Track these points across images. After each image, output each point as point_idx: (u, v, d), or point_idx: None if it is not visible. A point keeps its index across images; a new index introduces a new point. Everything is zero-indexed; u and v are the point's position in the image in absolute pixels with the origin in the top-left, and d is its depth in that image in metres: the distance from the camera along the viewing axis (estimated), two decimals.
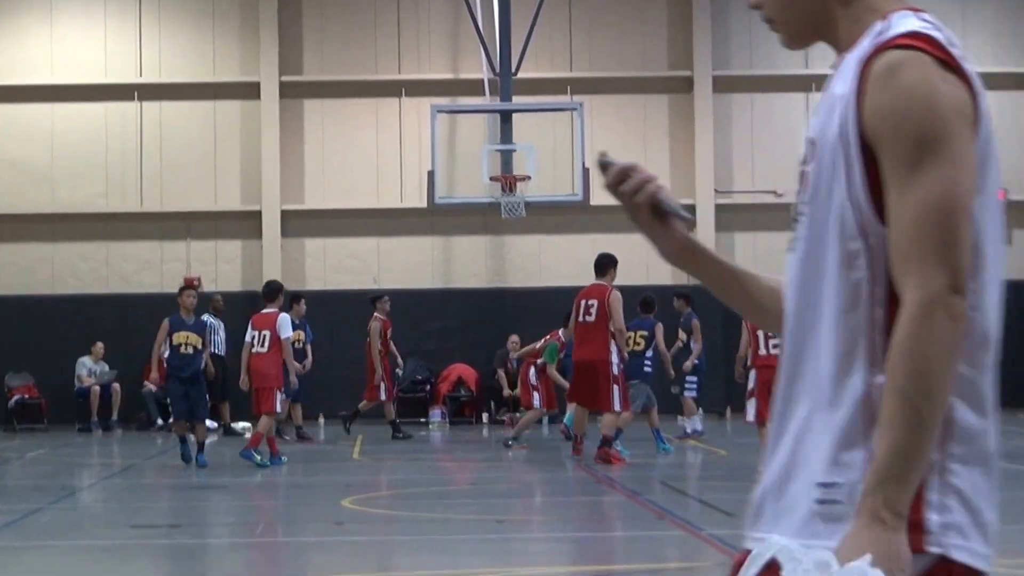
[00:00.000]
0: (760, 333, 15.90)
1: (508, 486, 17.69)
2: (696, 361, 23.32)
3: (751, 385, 16.78)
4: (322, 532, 13.24)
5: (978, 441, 2.77)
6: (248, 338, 20.09)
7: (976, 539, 2.72)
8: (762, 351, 15.90)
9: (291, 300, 23.59)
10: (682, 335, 23.68)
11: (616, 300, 19.45)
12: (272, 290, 20.68)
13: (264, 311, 20.30)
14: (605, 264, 19.99)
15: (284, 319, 20.05)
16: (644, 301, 21.70)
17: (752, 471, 15.06)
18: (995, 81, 31.71)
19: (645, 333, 21.05)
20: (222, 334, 26.58)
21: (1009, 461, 19.14)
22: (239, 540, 13.16)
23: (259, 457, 19.40)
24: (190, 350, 19.88)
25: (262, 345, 19.61)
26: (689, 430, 23.06)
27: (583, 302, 19.27)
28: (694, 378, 23.35)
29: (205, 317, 25.69)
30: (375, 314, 24.89)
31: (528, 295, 30.10)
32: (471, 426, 28.64)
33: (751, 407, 16.48)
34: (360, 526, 13.59)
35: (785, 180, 31.50)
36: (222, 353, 26.05)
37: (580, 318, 19.18)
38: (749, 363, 17.07)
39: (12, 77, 30.59)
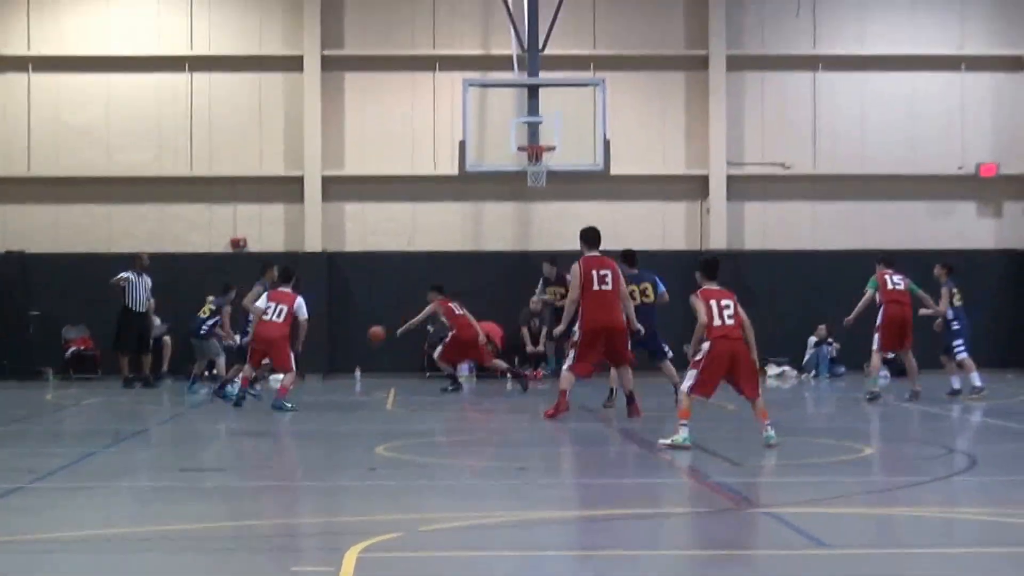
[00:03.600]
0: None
1: (530, 435, 17.66)
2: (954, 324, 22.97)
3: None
4: (357, 477, 13.23)
5: None
6: (263, 306, 20.91)
7: None
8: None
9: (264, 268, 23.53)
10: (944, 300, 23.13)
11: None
12: (289, 273, 21.50)
13: (280, 289, 21.12)
14: (599, 238, 19.49)
15: (301, 302, 21.01)
16: (625, 254, 21.26)
17: (752, 427, 15.04)
18: (990, 63, 31.57)
19: (648, 286, 20.74)
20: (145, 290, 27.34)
21: (1006, 419, 19.10)
22: (280, 483, 13.17)
23: (289, 405, 20.36)
24: None
25: (278, 316, 20.73)
26: (978, 383, 22.55)
27: (595, 272, 18.80)
28: (959, 340, 22.94)
29: (127, 273, 26.84)
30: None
31: (551, 258, 29.99)
32: (496, 379, 28.61)
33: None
34: (392, 471, 13.57)
35: (793, 153, 31.41)
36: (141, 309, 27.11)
37: (597, 287, 18.76)
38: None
39: (70, 48, 30.67)
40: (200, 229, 30.82)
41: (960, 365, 22.85)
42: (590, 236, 19.24)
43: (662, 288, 20.90)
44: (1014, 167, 31.38)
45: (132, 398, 24.06)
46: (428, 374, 28.72)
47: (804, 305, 30.53)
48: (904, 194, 31.50)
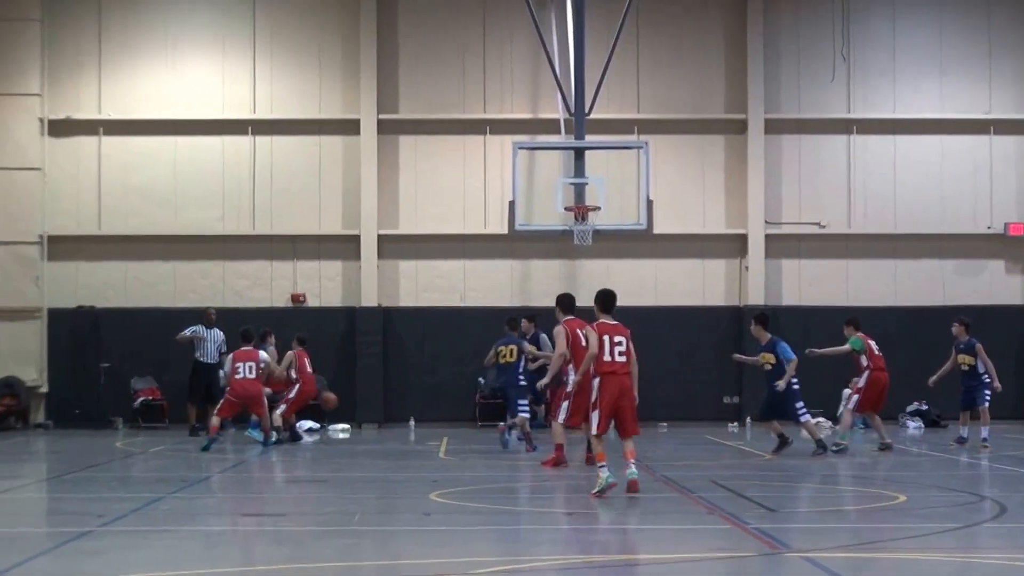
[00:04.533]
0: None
1: (576, 482, 17.65)
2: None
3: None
4: (411, 522, 13.28)
5: None
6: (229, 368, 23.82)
7: None
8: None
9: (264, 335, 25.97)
10: (966, 358, 23.32)
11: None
12: (248, 334, 24.33)
13: (243, 349, 23.82)
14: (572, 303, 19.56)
15: (263, 355, 24.06)
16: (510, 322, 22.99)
17: (791, 471, 15.00)
18: (1017, 127, 31.49)
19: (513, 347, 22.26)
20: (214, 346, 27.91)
21: None
22: (338, 528, 13.21)
23: (274, 437, 23.84)
24: None
25: (249, 372, 23.33)
26: (984, 435, 22.80)
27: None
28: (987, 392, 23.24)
29: (196, 327, 27.52)
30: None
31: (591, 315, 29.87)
32: (545, 429, 28.52)
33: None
34: (445, 516, 13.61)
35: (828, 212, 31.37)
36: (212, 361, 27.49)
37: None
38: None
39: (139, 112, 30.90)
40: (262, 285, 30.97)
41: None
42: (566, 302, 19.52)
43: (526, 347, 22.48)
44: None
45: (198, 446, 24.19)
46: (480, 423, 28.76)
47: (839, 359, 30.38)
48: (935, 252, 31.42)
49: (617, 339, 15.22)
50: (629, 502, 15.05)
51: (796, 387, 21.31)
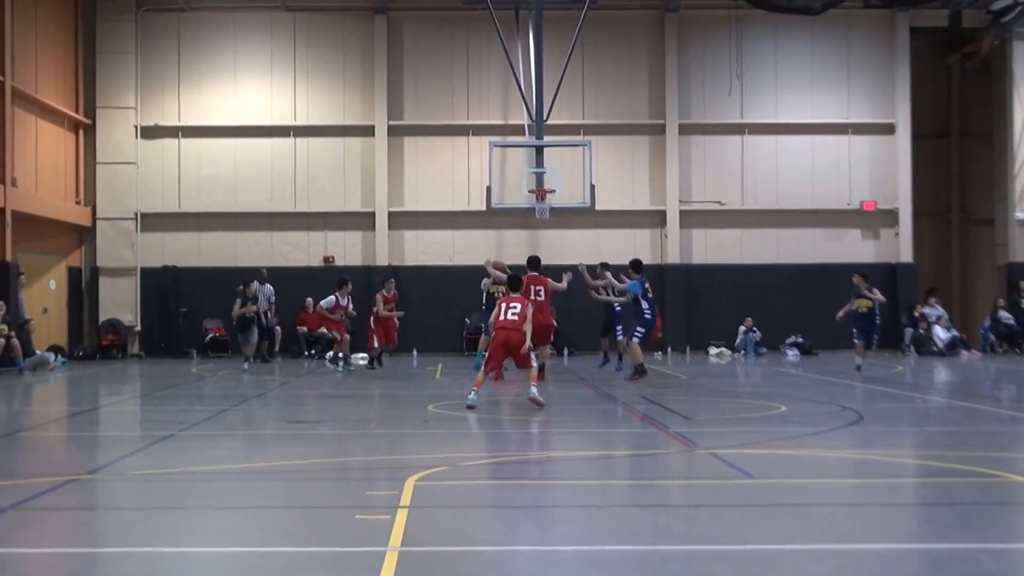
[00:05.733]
0: None
1: (544, 397, 17.59)
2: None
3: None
4: (414, 427, 13.22)
5: None
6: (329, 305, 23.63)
7: None
8: None
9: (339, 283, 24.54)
10: (864, 303, 22.14)
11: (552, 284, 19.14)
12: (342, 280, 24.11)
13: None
14: (538, 262, 19.76)
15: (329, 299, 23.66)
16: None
17: (704, 389, 14.98)
18: (870, 128, 31.48)
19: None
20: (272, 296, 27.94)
21: (880, 384, 18.99)
22: (358, 431, 13.15)
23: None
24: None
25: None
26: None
27: (532, 287, 18.62)
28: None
29: (253, 282, 26.08)
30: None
31: (553, 270, 29.84)
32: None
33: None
34: (440, 423, 13.55)
35: (727, 194, 31.33)
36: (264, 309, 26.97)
37: (532, 296, 18.27)
38: None
39: (208, 120, 30.80)
40: (301, 250, 30.86)
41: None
42: (531, 262, 19.75)
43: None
44: (887, 203, 31.31)
45: (254, 371, 24.09)
46: (466, 353, 28.68)
47: (736, 303, 30.50)
48: (808, 223, 31.44)
49: (512, 305, 15.37)
50: (588, 412, 15.01)
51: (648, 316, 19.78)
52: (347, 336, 23.85)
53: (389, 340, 24.51)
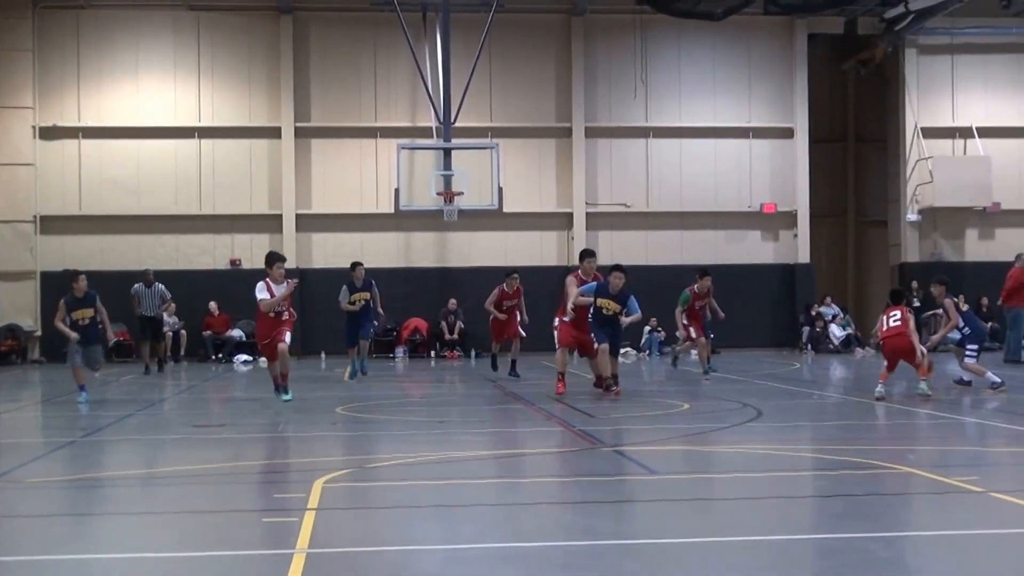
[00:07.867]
0: None
1: (448, 399, 17.66)
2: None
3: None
4: (322, 429, 13.16)
5: None
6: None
7: None
8: None
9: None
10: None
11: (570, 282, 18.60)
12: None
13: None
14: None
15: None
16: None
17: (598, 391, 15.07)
18: (769, 132, 32.02)
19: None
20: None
21: (779, 381, 19.32)
22: (266, 435, 13.05)
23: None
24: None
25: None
26: (966, 379, 17.53)
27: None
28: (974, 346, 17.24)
29: (138, 286, 25.09)
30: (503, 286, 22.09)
31: (461, 272, 30.05)
32: (423, 359, 28.51)
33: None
34: (347, 425, 13.52)
35: (632, 196, 31.65)
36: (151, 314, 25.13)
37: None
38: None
39: (110, 121, 30.33)
40: (207, 253, 30.49)
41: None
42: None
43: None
44: (786, 206, 31.87)
45: (155, 376, 23.75)
46: (374, 355, 28.59)
47: (641, 304, 30.66)
48: (710, 225, 31.88)
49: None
50: (494, 412, 15.05)
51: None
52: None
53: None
